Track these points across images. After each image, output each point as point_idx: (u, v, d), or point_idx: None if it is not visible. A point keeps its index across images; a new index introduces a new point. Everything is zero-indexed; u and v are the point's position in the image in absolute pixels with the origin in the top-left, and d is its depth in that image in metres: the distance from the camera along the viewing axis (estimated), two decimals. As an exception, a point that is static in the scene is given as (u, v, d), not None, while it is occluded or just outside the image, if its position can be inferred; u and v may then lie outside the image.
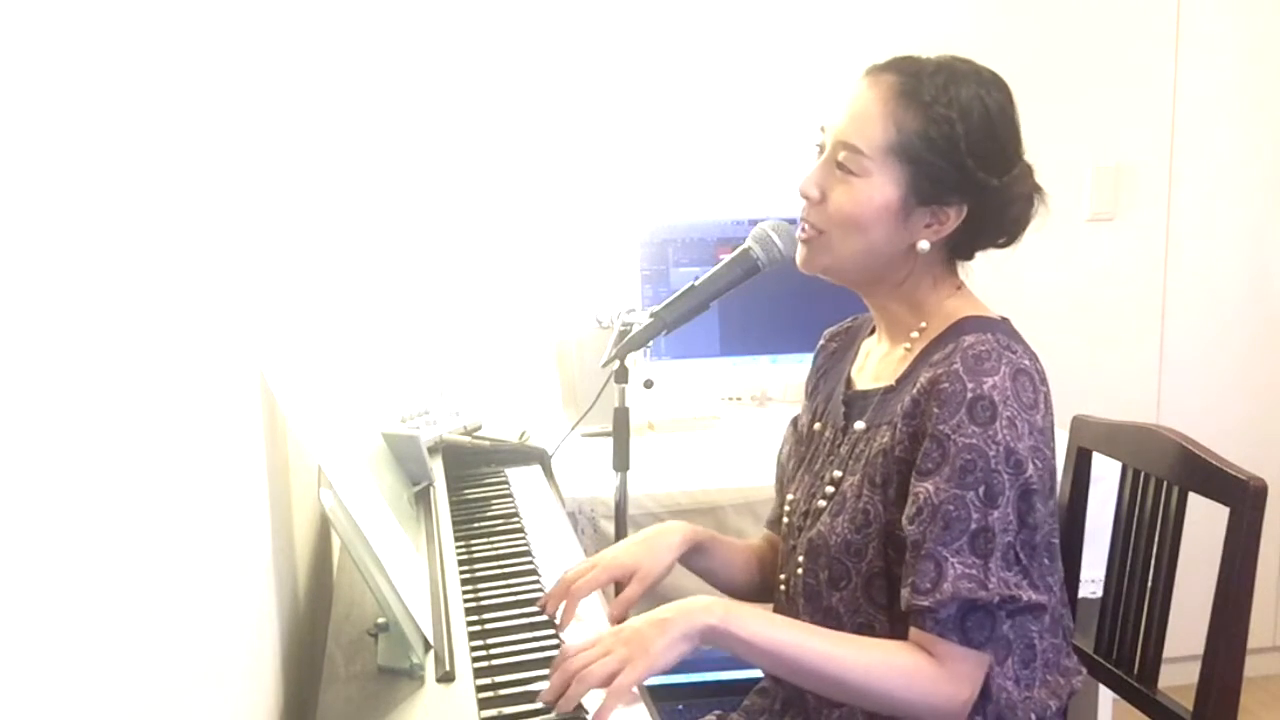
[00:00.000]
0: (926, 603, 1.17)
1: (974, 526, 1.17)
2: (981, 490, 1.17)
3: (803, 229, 1.34)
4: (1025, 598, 1.19)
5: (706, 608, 1.18)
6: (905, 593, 1.20)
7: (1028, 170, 1.30)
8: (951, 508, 1.17)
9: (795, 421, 1.52)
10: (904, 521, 1.21)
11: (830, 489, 1.34)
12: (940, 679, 1.18)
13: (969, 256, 1.35)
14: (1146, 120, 2.76)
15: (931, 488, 1.18)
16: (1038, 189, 1.31)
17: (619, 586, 1.37)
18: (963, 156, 1.25)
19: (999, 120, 1.27)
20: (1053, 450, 1.25)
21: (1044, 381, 1.24)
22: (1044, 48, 2.67)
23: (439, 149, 2.47)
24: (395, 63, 2.41)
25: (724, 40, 2.56)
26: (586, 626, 1.30)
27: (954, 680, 1.19)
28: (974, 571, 1.17)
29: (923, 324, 1.33)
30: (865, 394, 1.36)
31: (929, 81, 1.26)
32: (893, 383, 1.32)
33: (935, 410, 1.20)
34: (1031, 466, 1.19)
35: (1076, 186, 2.73)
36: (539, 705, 1.13)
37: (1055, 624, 1.30)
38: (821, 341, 1.55)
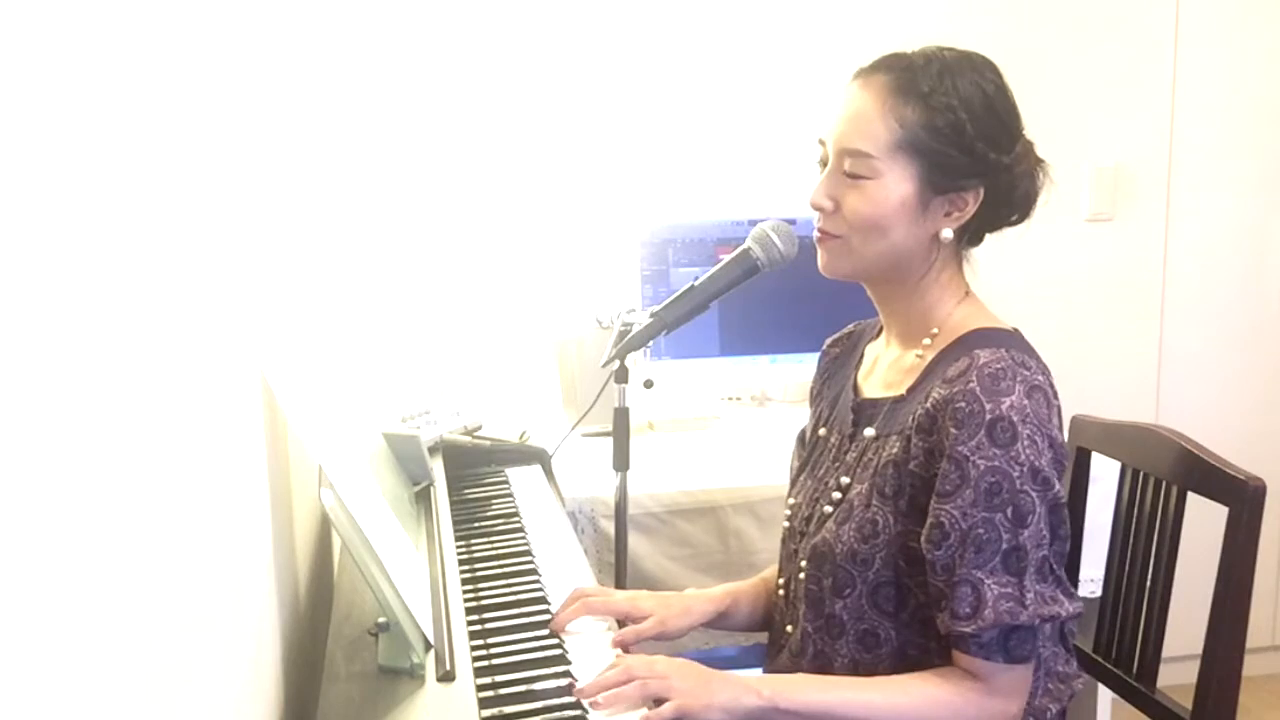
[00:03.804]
0: (969, 629, 1.18)
1: (1005, 546, 1.17)
2: (1010, 511, 1.17)
3: (818, 234, 1.32)
4: (1063, 612, 1.20)
5: (752, 688, 1.21)
6: (943, 618, 1.20)
7: (1029, 145, 1.31)
8: (981, 531, 1.17)
9: (801, 434, 1.52)
10: (924, 543, 1.21)
11: (837, 495, 1.33)
12: (989, 699, 1.20)
13: (979, 241, 1.34)
14: (1146, 121, 2.76)
15: (957, 512, 1.18)
16: (1040, 161, 1.31)
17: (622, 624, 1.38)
18: (971, 141, 1.24)
19: (999, 102, 1.27)
20: (1066, 460, 1.26)
21: (1056, 395, 1.25)
22: (1043, 48, 2.67)
23: (439, 150, 2.47)
24: (396, 64, 2.41)
25: (724, 41, 2.56)
26: (588, 639, 1.31)
27: (1003, 697, 1.21)
28: (1010, 590, 1.18)
29: (934, 330, 1.32)
30: (875, 401, 1.35)
31: (923, 73, 1.25)
32: (903, 392, 1.31)
33: (953, 430, 1.19)
34: (1056, 481, 1.20)
35: (1076, 187, 2.73)
36: (539, 705, 1.13)
37: (1056, 631, 1.31)
38: (824, 347, 1.55)
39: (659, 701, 1.16)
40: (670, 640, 1.41)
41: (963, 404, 1.19)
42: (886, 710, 1.21)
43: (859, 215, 1.27)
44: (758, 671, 1.42)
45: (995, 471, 1.17)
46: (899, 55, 1.29)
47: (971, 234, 1.32)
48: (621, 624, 1.37)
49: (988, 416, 1.18)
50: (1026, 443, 1.17)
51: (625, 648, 1.30)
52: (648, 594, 1.43)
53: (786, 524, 1.43)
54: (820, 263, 1.34)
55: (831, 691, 1.22)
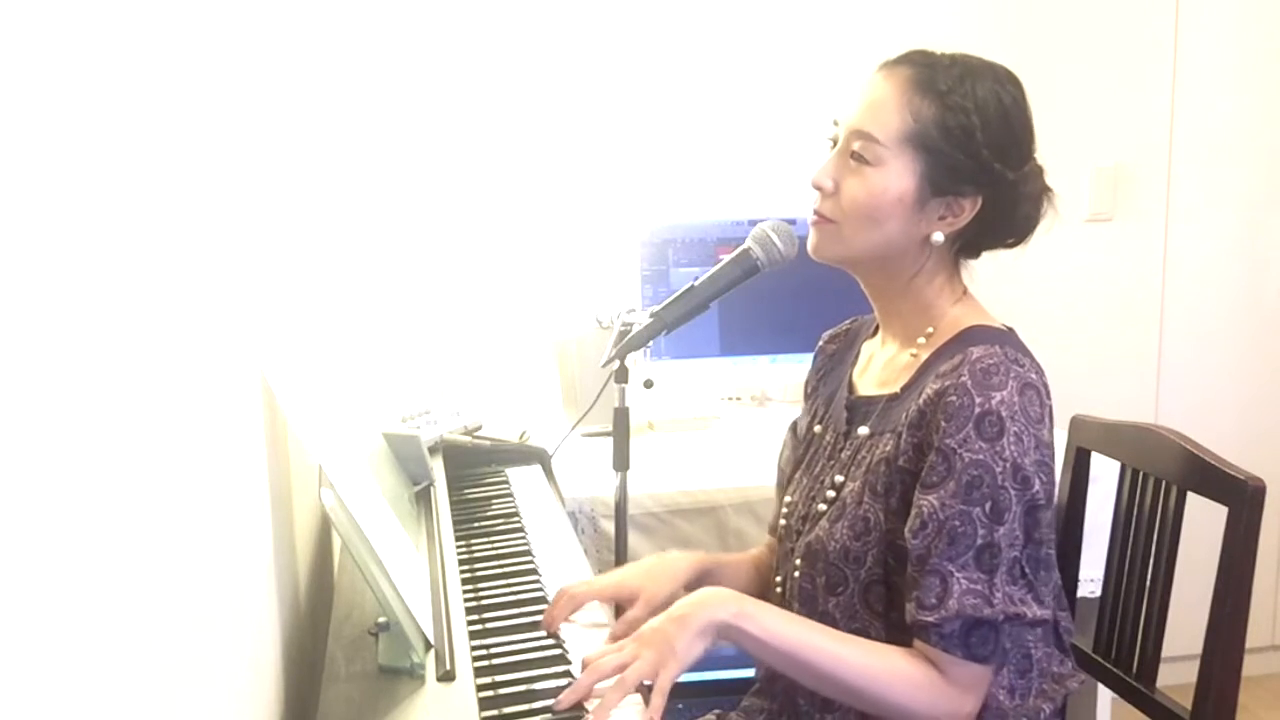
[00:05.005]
0: (931, 618, 1.18)
1: (980, 542, 1.17)
2: (988, 506, 1.17)
3: (813, 215, 1.33)
4: (1030, 614, 1.19)
5: (721, 602, 1.20)
6: (910, 607, 1.20)
7: (1039, 170, 1.31)
8: (958, 523, 1.17)
9: (794, 426, 1.52)
10: (906, 533, 1.21)
11: (831, 493, 1.33)
12: (945, 691, 1.20)
13: (976, 255, 1.34)
14: (1145, 121, 2.76)
15: (937, 502, 1.18)
16: (1047, 190, 1.31)
17: (618, 609, 1.37)
18: (979, 147, 1.24)
19: (1014, 115, 1.27)
20: (1054, 463, 1.26)
21: (1049, 395, 1.24)
22: (1044, 48, 2.67)
23: (439, 150, 2.47)
24: (396, 64, 2.41)
25: (724, 40, 2.56)
26: (586, 638, 1.30)
27: (959, 692, 1.20)
28: (979, 587, 1.17)
29: (929, 329, 1.32)
30: (869, 399, 1.36)
31: (944, 73, 1.26)
32: (897, 390, 1.31)
33: (942, 423, 1.19)
34: (1038, 481, 1.20)
35: (1075, 187, 2.73)
36: (539, 705, 1.13)
37: (1051, 633, 1.31)
38: (820, 343, 1.55)
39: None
40: (665, 606, 1.39)
41: (954, 398, 1.19)
42: (851, 667, 1.20)
43: (855, 202, 1.28)
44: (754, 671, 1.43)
45: (978, 465, 1.17)
46: (926, 52, 1.30)
47: (967, 246, 1.32)
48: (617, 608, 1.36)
49: (977, 410, 1.18)
50: (1012, 439, 1.17)
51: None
52: (627, 572, 1.41)
53: (783, 522, 1.43)
54: (810, 244, 1.34)
55: (802, 632, 1.22)
